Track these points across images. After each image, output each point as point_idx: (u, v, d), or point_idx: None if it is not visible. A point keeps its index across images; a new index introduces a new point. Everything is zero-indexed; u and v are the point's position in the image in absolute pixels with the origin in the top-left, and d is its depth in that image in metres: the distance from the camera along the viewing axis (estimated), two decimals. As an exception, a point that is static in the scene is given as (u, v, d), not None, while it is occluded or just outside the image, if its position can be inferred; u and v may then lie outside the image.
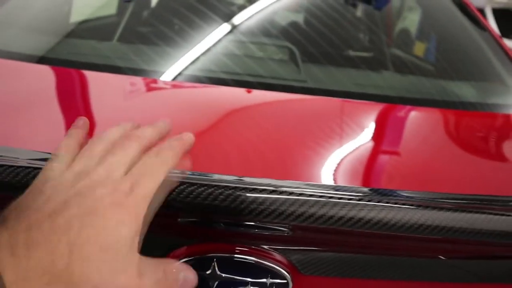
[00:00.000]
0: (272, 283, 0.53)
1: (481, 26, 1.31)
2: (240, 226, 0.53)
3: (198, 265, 0.52)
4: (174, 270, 0.39)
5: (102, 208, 0.33)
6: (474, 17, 1.33)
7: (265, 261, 0.53)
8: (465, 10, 1.41)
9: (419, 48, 1.59)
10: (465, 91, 1.07)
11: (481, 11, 4.20)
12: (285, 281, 0.53)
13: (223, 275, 0.53)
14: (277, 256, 0.55)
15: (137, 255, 0.35)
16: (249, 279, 0.53)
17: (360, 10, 1.62)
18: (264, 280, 0.53)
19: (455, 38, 1.32)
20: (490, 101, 1.03)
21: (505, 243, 0.58)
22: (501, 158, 0.79)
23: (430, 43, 1.49)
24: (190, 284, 0.40)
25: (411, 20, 1.90)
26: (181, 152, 0.44)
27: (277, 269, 0.53)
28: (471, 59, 1.20)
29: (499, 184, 0.68)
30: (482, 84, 1.11)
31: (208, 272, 0.52)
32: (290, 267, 0.55)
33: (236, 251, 0.54)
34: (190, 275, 0.40)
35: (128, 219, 0.34)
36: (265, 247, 0.55)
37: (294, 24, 1.37)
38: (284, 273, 0.53)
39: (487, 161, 0.77)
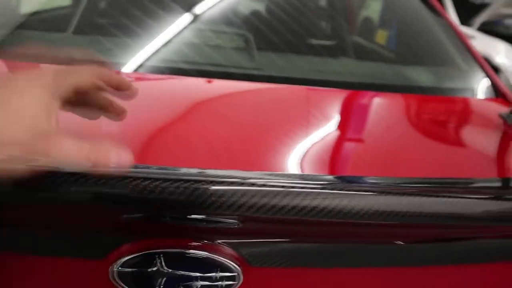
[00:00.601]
0: (221, 277, 0.52)
1: (439, 14, 1.32)
2: (187, 220, 0.51)
3: (144, 261, 0.50)
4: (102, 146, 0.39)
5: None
6: (432, 6, 1.34)
7: (214, 255, 0.52)
8: None
9: (381, 36, 1.60)
10: (423, 76, 1.08)
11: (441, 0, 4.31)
12: (235, 274, 0.52)
13: (170, 270, 0.51)
14: (226, 249, 0.53)
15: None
16: (197, 274, 0.51)
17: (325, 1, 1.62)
18: (213, 274, 0.52)
19: (414, 25, 1.34)
20: (446, 86, 1.05)
21: (467, 225, 0.59)
22: (460, 140, 0.81)
23: (392, 30, 1.51)
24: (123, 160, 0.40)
25: (374, 9, 1.92)
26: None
27: (226, 262, 0.52)
28: (429, 45, 1.21)
29: (460, 167, 0.69)
30: (439, 69, 1.13)
31: (154, 269, 0.51)
32: (240, 260, 0.53)
33: (183, 246, 0.52)
34: (121, 153, 0.40)
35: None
36: (214, 241, 0.53)
37: (255, 13, 1.35)
38: (233, 266, 0.52)
39: (447, 144, 0.78)
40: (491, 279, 0.65)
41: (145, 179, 0.48)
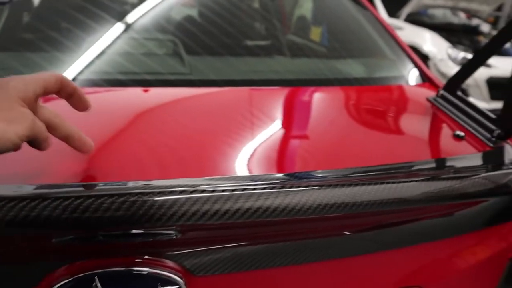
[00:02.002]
0: None
1: (366, 8, 1.38)
2: (123, 237, 0.48)
3: (80, 285, 0.47)
4: None
5: None
6: (359, 1, 1.39)
7: (154, 269, 0.50)
8: None
9: (315, 33, 1.64)
10: (356, 68, 1.12)
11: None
12: (177, 286, 0.50)
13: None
14: (167, 263, 0.51)
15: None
16: None
17: (256, 1, 1.63)
18: None
19: (343, 21, 1.38)
20: (378, 75, 1.09)
21: (409, 208, 0.61)
22: (393, 127, 0.84)
23: (324, 27, 1.55)
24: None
25: (307, 7, 1.97)
26: None
27: (167, 275, 0.50)
28: (359, 39, 1.26)
29: (397, 152, 0.72)
30: (369, 61, 1.17)
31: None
32: (182, 271, 0.52)
33: (122, 263, 0.49)
34: None
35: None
36: (153, 255, 0.51)
37: (188, 19, 1.34)
38: (175, 278, 0.50)
39: (382, 131, 0.81)
40: (438, 256, 0.68)
41: (75, 197, 0.45)
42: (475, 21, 4.82)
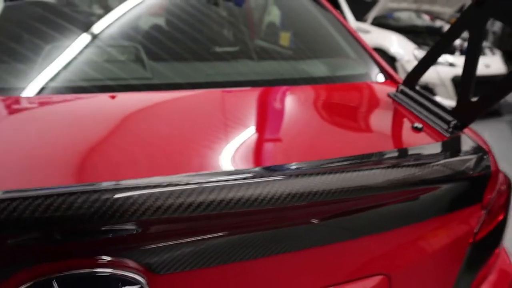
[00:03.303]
0: None
1: (330, 12, 1.42)
2: (82, 237, 0.48)
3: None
4: None
5: None
6: (323, 5, 1.43)
7: (115, 270, 0.50)
8: None
9: (283, 38, 1.68)
10: (321, 68, 1.15)
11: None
12: (138, 286, 0.50)
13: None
14: (127, 262, 0.51)
15: None
16: None
17: (223, 9, 1.66)
18: None
19: (308, 25, 1.42)
20: (342, 74, 1.13)
21: (374, 194, 0.63)
22: (357, 121, 0.87)
23: (291, 31, 1.58)
24: None
25: (275, 13, 2.00)
26: None
27: (129, 275, 0.50)
28: (323, 41, 1.29)
29: (361, 144, 0.75)
30: (334, 61, 1.21)
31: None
32: (143, 270, 0.52)
33: (82, 265, 0.49)
34: None
35: None
36: (114, 256, 0.50)
37: (154, 27, 1.34)
38: (137, 278, 0.50)
39: (347, 125, 0.84)
40: (401, 243, 0.71)
41: (32, 198, 0.45)
42: (438, 23, 5.00)
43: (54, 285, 0.47)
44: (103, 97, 0.81)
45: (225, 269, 0.57)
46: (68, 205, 0.45)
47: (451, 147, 0.77)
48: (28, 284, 0.47)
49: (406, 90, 0.94)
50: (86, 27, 1.10)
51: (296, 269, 0.62)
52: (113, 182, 0.50)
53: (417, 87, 0.93)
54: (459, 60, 3.92)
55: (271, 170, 0.59)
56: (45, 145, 0.61)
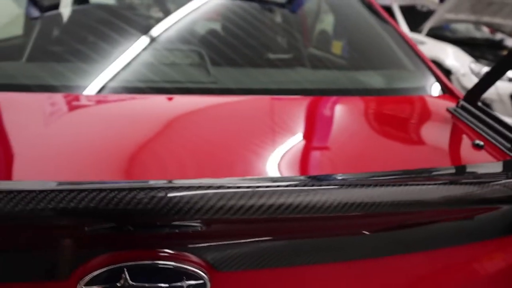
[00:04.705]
0: (188, 285, 0.52)
1: (386, 22, 1.40)
2: (152, 230, 0.51)
3: (109, 276, 0.50)
4: None
5: None
6: (380, 15, 1.42)
7: (180, 264, 0.52)
8: (371, 8, 1.50)
9: (336, 47, 1.67)
10: (376, 79, 1.14)
11: (389, 9, 4.51)
12: (201, 281, 0.52)
13: (136, 284, 0.51)
14: (192, 257, 0.53)
15: None
16: (164, 285, 0.51)
17: (278, 16, 1.68)
18: (179, 283, 0.52)
19: (365, 34, 1.40)
20: (399, 86, 1.11)
21: (427, 210, 0.62)
22: (414, 135, 0.85)
23: (345, 40, 1.57)
24: None
25: (328, 22, 2.00)
26: None
27: (193, 270, 0.52)
28: (379, 51, 1.28)
29: (417, 159, 0.73)
30: (390, 72, 1.19)
31: (120, 283, 0.50)
32: (206, 267, 0.54)
33: (149, 257, 0.52)
34: None
35: None
36: (179, 250, 0.53)
37: (212, 32, 1.38)
38: (200, 273, 0.52)
39: (404, 140, 0.83)
40: (456, 262, 0.69)
41: (108, 190, 0.48)
42: (498, 36, 4.76)
43: (125, 273, 0.50)
44: (171, 99, 0.84)
45: (282, 272, 0.58)
46: (139, 200, 0.48)
47: None
48: (100, 270, 0.50)
49: (467, 105, 0.91)
50: (147, 30, 1.15)
51: (350, 279, 0.62)
52: (182, 181, 0.53)
53: (479, 103, 0.89)
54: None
55: (326, 180, 0.59)
56: (106, 142, 0.66)
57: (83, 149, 0.62)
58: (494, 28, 4.90)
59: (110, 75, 0.91)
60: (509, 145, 0.78)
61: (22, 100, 0.78)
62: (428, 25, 4.43)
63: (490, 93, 3.66)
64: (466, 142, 0.82)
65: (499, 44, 4.47)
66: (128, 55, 1.00)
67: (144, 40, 1.08)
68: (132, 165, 0.60)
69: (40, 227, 0.50)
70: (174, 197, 0.49)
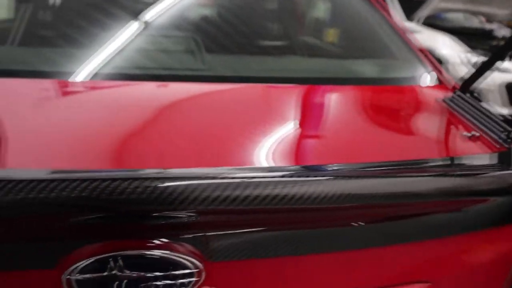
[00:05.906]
0: (183, 275, 0.52)
1: (380, 11, 1.38)
2: (144, 220, 0.51)
3: (102, 265, 0.49)
4: None
5: None
6: (373, 4, 1.40)
7: (174, 253, 0.52)
8: None
9: (330, 34, 1.65)
10: (369, 68, 1.13)
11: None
12: (196, 270, 0.52)
13: (130, 273, 0.50)
14: (186, 247, 0.53)
15: None
16: (158, 274, 0.51)
17: (272, 3, 1.66)
18: (172, 273, 0.51)
19: (357, 23, 1.39)
20: (392, 76, 1.10)
21: (419, 202, 0.62)
22: (406, 125, 0.85)
23: (339, 28, 1.56)
24: None
25: (322, 9, 1.98)
26: None
27: (186, 260, 0.52)
28: (373, 40, 1.26)
29: (410, 149, 0.73)
30: (383, 61, 1.18)
31: (111, 273, 0.50)
32: (200, 256, 0.54)
33: (142, 246, 0.51)
34: None
35: None
36: (172, 239, 0.53)
37: (204, 18, 1.36)
38: (195, 263, 0.52)
39: (396, 129, 0.82)
40: (446, 253, 0.69)
41: (97, 180, 0.47)
42: (493, 25, 4.75)
43: (119, 262, 0.50)
44: (165, 85, 0.83)
45: (275, 262, 0.58)
46: (132, 189, 0.48)
47: (508, 158, 0.74)
48: (89, 260, 0.50)
49: (462, 95, 0.90)
50: (140, 16, 1.13)
51: (341, 269, 0.63)
52: (176, 170, 0.52)
53: (475, 94, 0.89)
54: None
55: (320, 170, 0.59)
56: (98, 129, 0.64)
57: (74, 137, 0.61)
58: (489, 18, 4.89)
59: (102, 61, 0.89)
60: (504, 136, 0.78)
61: (11, 86, 0.76)
62: (423, 13, 4.40)
63: (483, 83, 3.67)
64: (460, 132, 0.82)
65: (493, 34, 4.46)
66: (121, 41, 0.98)
67: (137, 26, 1.06)
68: (123, 153, 0.59)
69: (31, 217, 0.49)
70: (167, 187, 0.49)
